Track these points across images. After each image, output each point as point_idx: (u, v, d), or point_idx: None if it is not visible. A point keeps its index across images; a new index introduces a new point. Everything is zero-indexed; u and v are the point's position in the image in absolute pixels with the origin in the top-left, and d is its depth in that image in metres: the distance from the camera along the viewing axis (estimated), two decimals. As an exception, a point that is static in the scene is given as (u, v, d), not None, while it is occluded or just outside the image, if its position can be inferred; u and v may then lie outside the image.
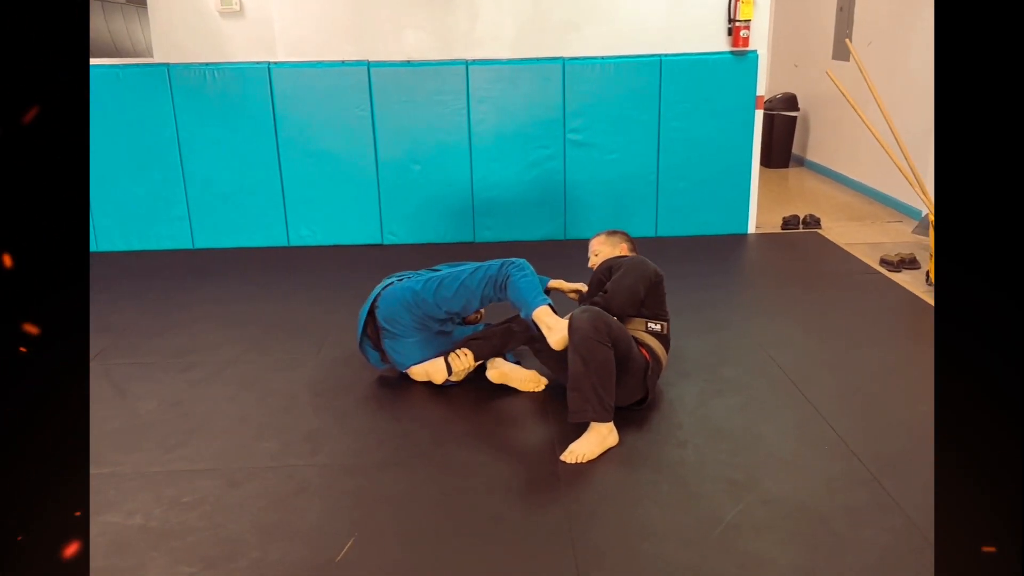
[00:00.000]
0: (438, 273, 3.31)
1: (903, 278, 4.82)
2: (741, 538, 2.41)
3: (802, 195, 7.16)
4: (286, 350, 3.87)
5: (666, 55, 5.39)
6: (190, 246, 5.62)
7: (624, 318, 3.17)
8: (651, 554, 2.35)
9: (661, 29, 5.38)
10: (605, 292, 3.17)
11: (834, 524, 2.47)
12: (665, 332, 3.22)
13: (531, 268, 3.18)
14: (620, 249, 3.43)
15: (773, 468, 2.79)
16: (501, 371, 3.39)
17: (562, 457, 2.86)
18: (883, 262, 5.09)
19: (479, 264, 3.25)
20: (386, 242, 5.66)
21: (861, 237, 5.73)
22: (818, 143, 8.23)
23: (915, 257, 5.06)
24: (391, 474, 2.80)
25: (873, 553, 2.34)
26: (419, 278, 3.32)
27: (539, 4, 5.33)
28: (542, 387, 3.39)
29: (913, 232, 5.78)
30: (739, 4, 5.25)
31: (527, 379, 3.38)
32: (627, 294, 3.14)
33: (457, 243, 5.63)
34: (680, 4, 5.35)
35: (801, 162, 8.55)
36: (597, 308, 2.98)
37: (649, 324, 3.18)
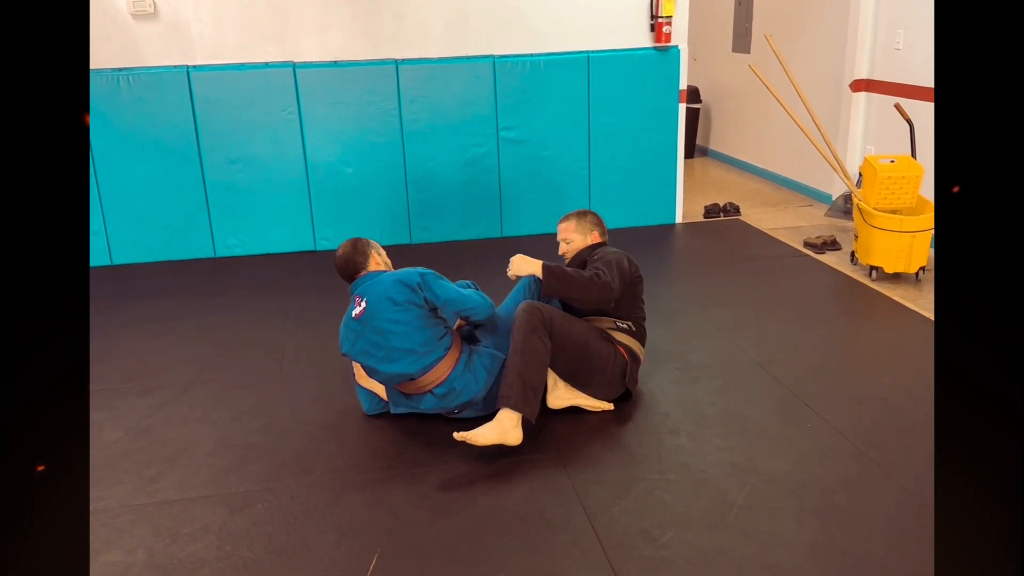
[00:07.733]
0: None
1: (829, 259, 5.09)
2: (756, 518, 2.51)
3: (713, 184, 7.43)
4: (246, 367, 3.72)
5: (593, 51, 5.48)
6: (108, 263, 5.29)
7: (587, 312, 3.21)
8: (678, 541, 2.41)
9: (587, 26, 5.47)
10: (599, 275, 3.04)
11: (836, 498, 2.60)
12: (635, 329, 3.24)
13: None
14: (592, 237, 3.36)
15: (766, 448, 2.90)
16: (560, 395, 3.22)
17: (454, 434, 2.79)
18: (807, 244, 5.36)
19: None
20: (319, 248, 5.51)
21: (780, 222, 6.01)
22: (720, 133, 8.56)
23: (835, 239, 5.35)
24: (396, 486, 2.74)
25: (879, 521, 2.48)
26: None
27: (465, 3, 5.30)
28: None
29: (826, 215, 6.10)
30: (661, 1, 5.40)
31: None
32: (602, 292, 3.01)
33: (393, 245, 5.52)
34: (604, 1, 5.44)
35: (705, 152, 8.88)
36: (543, 304, 3.00)
37: (617, 323, 3.20)
